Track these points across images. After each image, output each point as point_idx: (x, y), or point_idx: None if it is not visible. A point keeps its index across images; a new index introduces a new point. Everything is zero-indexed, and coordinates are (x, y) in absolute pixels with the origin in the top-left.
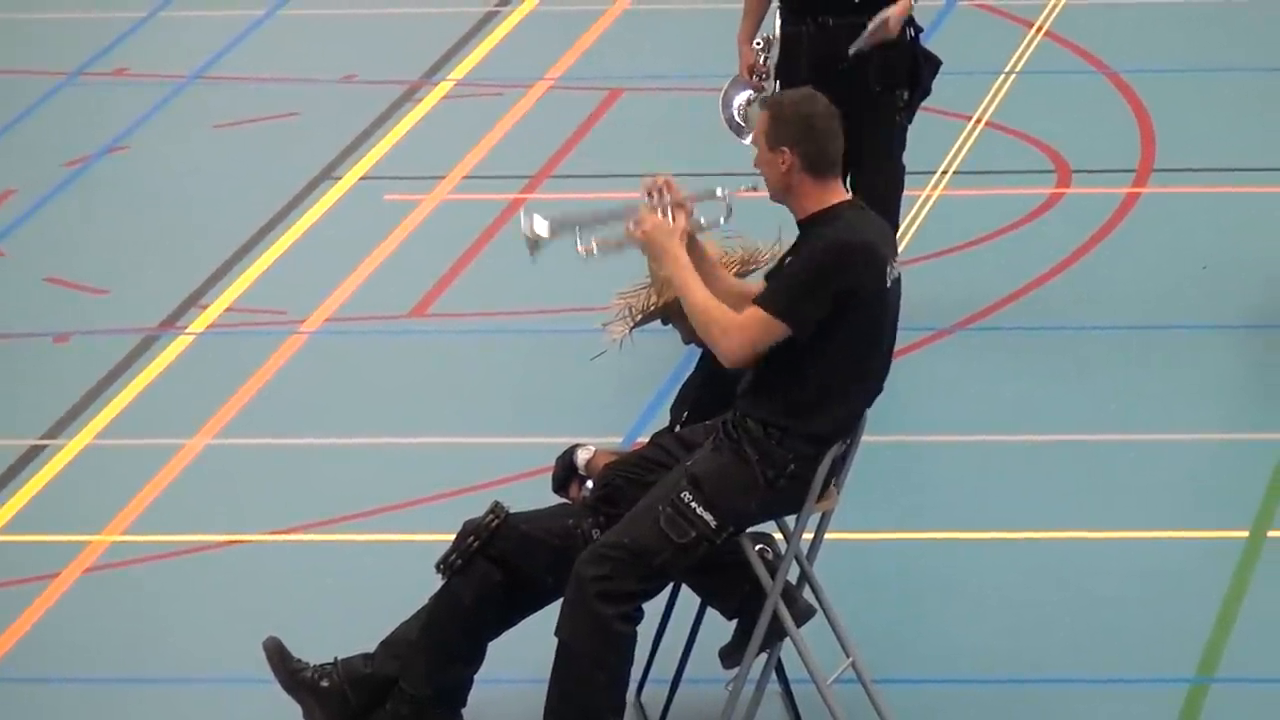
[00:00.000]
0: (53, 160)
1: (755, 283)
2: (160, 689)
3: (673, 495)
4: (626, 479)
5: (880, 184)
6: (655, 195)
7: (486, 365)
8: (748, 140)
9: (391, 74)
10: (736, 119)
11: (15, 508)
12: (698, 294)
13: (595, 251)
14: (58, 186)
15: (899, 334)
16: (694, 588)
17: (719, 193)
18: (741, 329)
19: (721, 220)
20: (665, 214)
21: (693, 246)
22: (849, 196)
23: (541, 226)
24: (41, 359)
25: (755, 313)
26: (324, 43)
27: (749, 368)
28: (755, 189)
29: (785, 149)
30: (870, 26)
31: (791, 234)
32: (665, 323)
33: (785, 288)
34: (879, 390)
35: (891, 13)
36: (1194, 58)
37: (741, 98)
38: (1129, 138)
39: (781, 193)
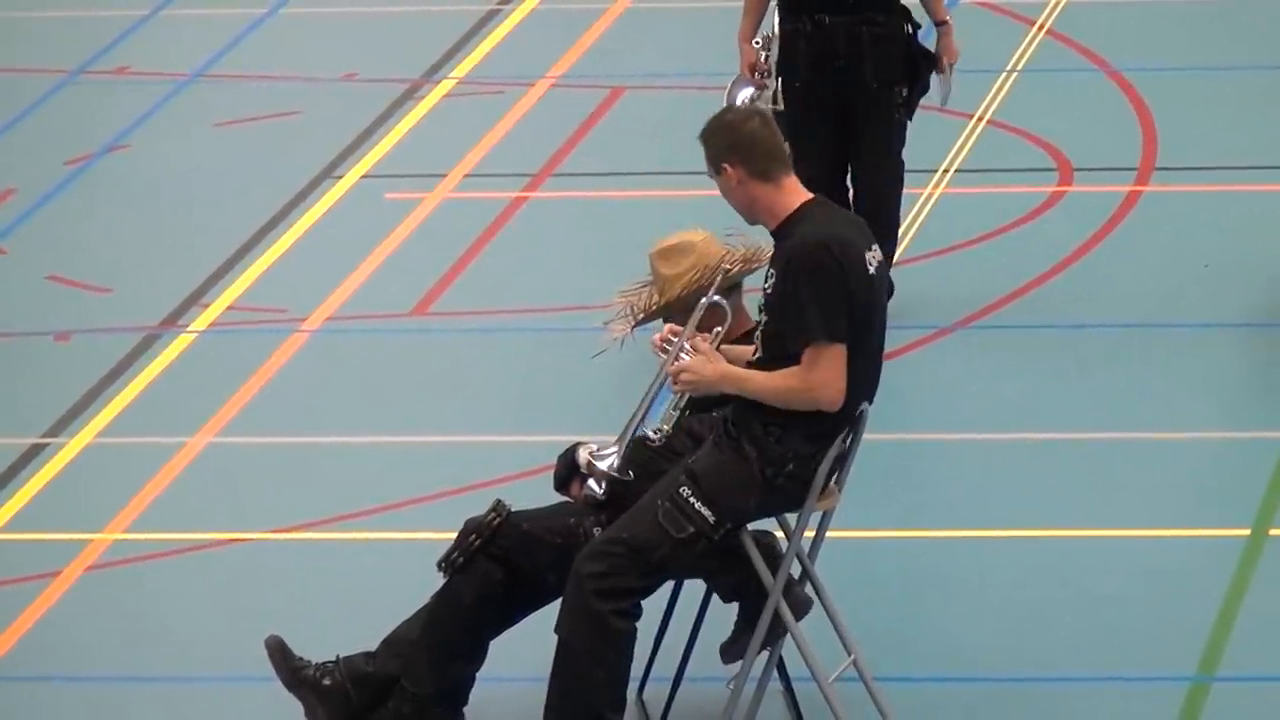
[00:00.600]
0: (54, 158)
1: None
2: (162, 687)
3: (672, 491)
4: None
5: (880, 181)
6: (667, 346)
7: (488, 364)
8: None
9: (393, 72)
10: None
11: (17, 506)
12: (761, 387)
13: (668, 430)
14: (59, 185)
15: (900, 332)
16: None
17: (715, 299)
18: (816, 373)
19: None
20: (684, 353)
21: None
22: (810, 195)
23: (610, 461)
24: (43, 357)
25: (810, 354)
26: (325, 41)
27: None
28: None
29: (726, 166)
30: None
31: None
32: (667, 320)
33: (808, 311)
34: (875, 384)
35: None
36: (1196, 56)
37: (744, 95)
38: (1131, 136)
39: (748, 210)
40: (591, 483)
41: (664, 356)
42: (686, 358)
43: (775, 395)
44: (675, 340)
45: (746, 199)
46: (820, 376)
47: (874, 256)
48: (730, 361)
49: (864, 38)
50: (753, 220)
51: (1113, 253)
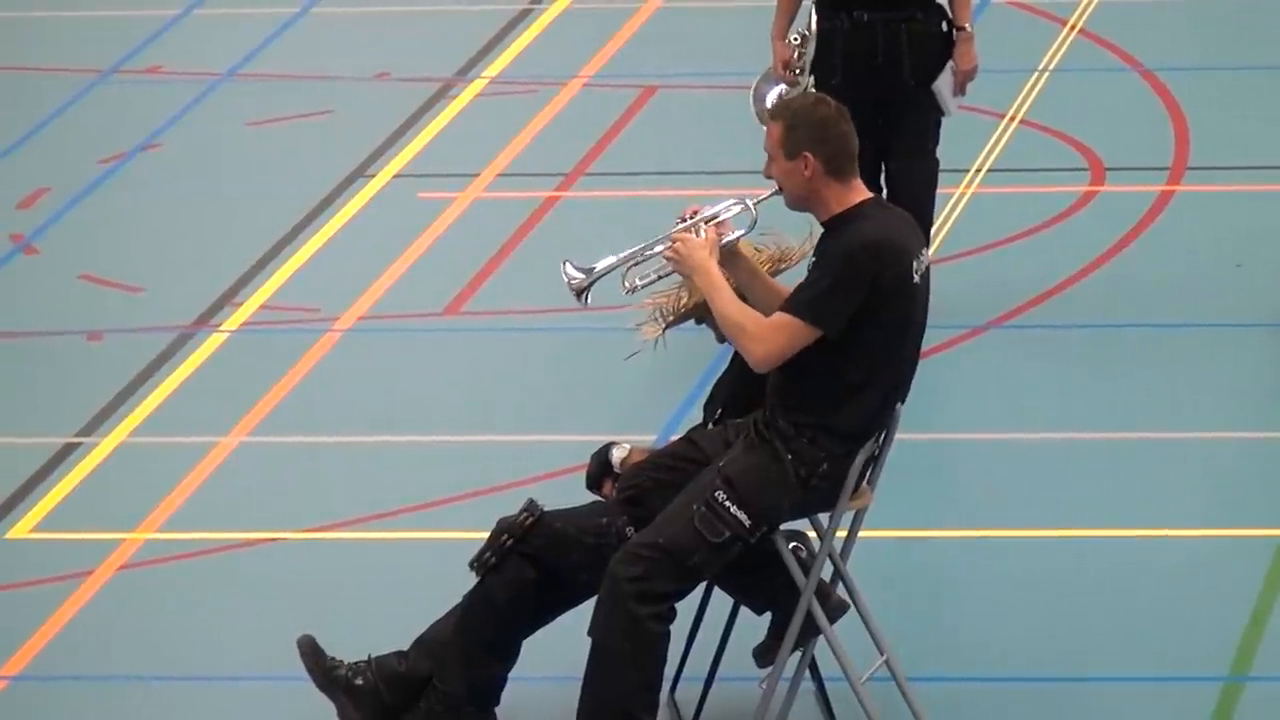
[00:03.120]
0: (87, 158)
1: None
2: (194, 687)
3: (707, 495)
4: (653, 480)
5: (915, 179)
6: (687, 218)
7: (520, 363)
8: (753, 201)
9: (425, 72)
10: (769, 113)
11: (49, 505)
12: (727, 303)
13: (639, 287)
14: (92, 184)
15: (932, 331)
16: (723, 585)
17: (747, 203)
18: (773, 333)
19: (749, 229)
20: (696, 232)
21: (734, 258)
22: (870, 194)
23: (572, 273)
24: (75, 357)
25: (783, 318)
26: (357, 40)
27: (773, 368)
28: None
29: (806, 155)
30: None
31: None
32: (699, 322)
33: (814, 292)
34: (908, 386)
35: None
36: (1228, 55)
37: (774, 93)
38: (1163, 135)
39: (804, 199)
40: (571, 268)
41: (680, 223)
42: (696, 236)
43: (727, 320)
44: (697, 219)
45: (809, 190)
46: (773, 339)
47: (922, 263)
48: (758, 286)
49: (903, 35)
50: (798, 206)
51: (1144, 253)
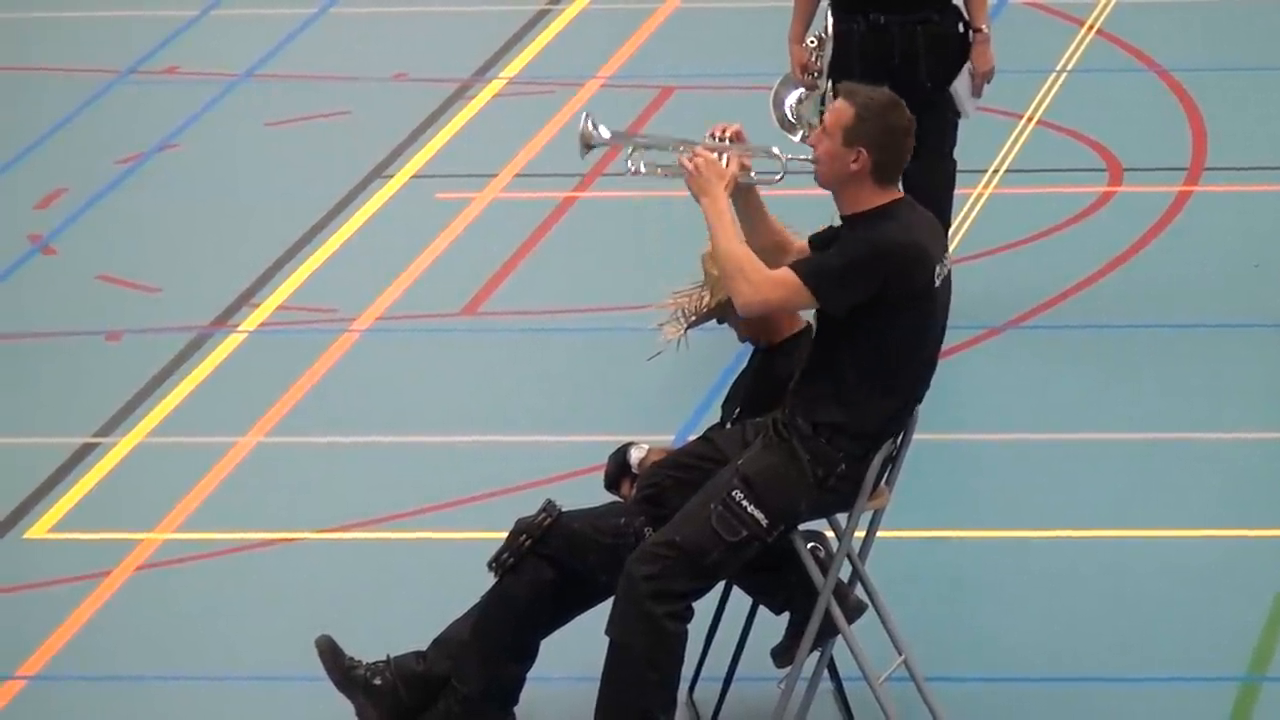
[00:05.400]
0: (105, 158)
1: (799, 239)
2: (212, 687)
3: (724, 494)
4: (671, 479)
5: (933, 181)
6: (718, 136)
7: (537, 363)
8: (797, 138)
9: (443, 72)
10: (789, 118)
11: (67, 506)
12: (730, 238)
13: (642, 170)
14: (110, 185)
15: (950, 331)
16: (741, 585)
17: (776, 151)
18: (771, 285)
19: (775, 179)
20: (721, 157)
21: (747, 196)
22: (902, 194)
23: (602, 132)
24: (93, 357)
25: (788, 275)
26: (375, 41)
27: (756, 316)
28: (815, 162)
29: (861, 149)
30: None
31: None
32: (720, 321)
33: (827, 265)
34: (926, 388)
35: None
36: (1246, 56)
37: (793, 97)
38: (1180, 136)
39: (837, 185)
40: (590, 122)
41: (709, 139)
42: (717, 158)
43: (727, 255)
44: (728, 147)
45: (847, 180)
46: (769, 291)
47: (944, 267)
48: (759, 228)
49: (920, 37)
50: (827, 187)
51: (1162, 253)
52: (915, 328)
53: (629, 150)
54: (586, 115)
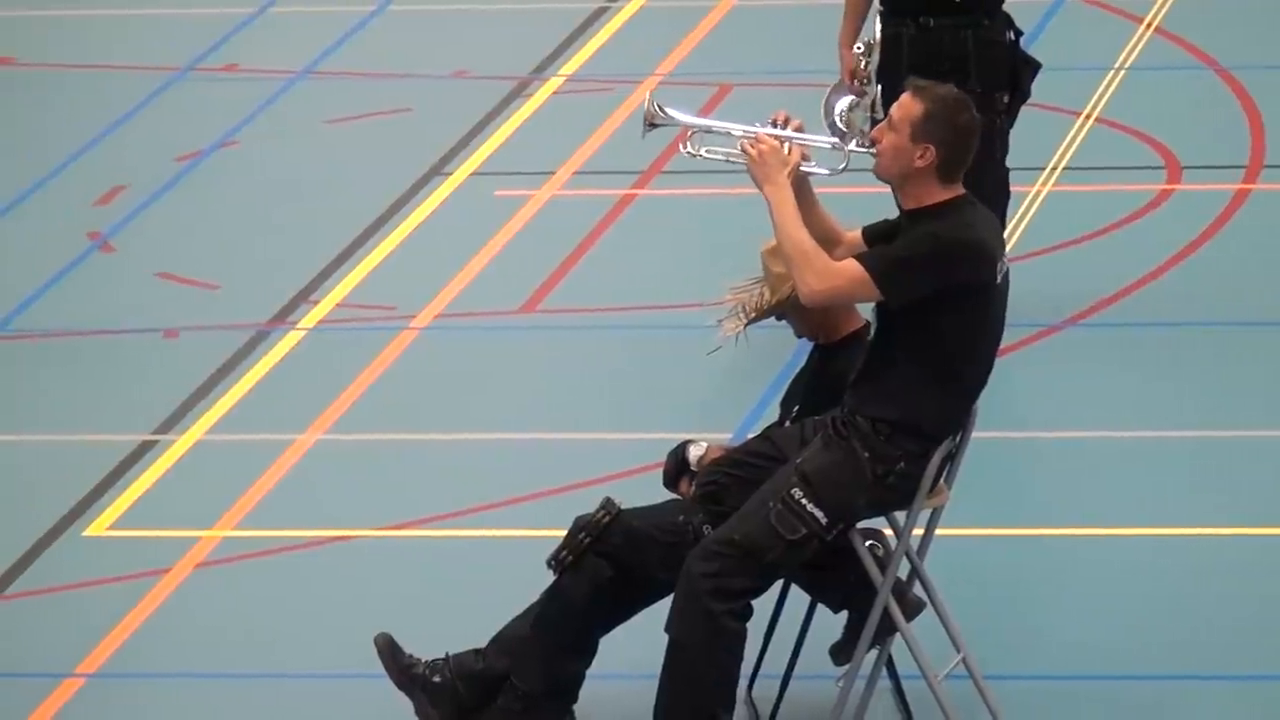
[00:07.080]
0: (164, 155)
1: (850, 231)
2: (270, 684)
3: (783, 492)
4: (730, 477)
5: (985, 185)
6: (779, 122)
7: (596, 361)
8: (851, 145)
9: (502, 69)
10: (839, 125)
11: (127, 503)
12: (795, 225)
13: (702, 154)
14: (169, 182)
15: (1007, 330)
16: (799, 582)
17: (838, 142)
18: (835, 274)
19: (838, 169)
20: (784, 145)
21: (802, 187)
22: (964, 191)
23: (668, 112)
24: (152, 354)
25: (853, 265)
26: (434, 38)
27: (820, 306)
28: (875, 152)
29: (930, 146)
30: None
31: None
32: (779, 318)
33: (892, 256)
34: (983, 386)
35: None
36: None
37: (844, 103)
38: (1239, 134)
39: (900, 180)
40: (655, 102)
41: (771, 127)
42: (778, 146)
43: (791, 241)
44: (790, 135)
45: (912, 176)
46: (833, 280)
47: (1004, 265)
48: (813, 220)
49: (969, 41)
50: (888, 181)
51: (1220, 251)
52: (975, 324)
53: (689, 134)
54: (651, 95)
